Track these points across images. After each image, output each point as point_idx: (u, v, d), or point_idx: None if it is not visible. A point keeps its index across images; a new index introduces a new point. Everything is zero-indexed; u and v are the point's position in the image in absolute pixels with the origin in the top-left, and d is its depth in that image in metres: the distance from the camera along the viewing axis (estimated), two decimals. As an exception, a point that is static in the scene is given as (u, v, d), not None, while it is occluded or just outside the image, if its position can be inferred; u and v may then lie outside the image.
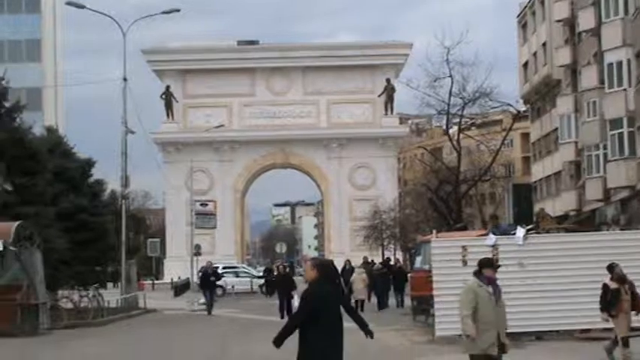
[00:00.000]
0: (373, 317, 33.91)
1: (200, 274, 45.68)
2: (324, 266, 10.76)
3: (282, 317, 33.81)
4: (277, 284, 38.84)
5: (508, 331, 20.54)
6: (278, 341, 10.50)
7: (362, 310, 39.62)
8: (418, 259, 29.02)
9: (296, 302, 34.75)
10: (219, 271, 60.26)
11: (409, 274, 36.46)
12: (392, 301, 41.94)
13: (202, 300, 41.70)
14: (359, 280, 40.58)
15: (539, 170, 72.93)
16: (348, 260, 47.09)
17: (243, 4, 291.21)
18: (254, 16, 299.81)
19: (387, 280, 41.97)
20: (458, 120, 58.37)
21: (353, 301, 40.53)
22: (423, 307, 25.90)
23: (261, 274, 65.63)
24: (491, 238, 22.01)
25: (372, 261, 45.67)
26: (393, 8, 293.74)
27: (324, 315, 10.28)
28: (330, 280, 10.70)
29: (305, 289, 10.76)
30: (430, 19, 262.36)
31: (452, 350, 20.45)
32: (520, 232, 22.28)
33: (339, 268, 45.40)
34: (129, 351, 23.22)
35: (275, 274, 44.65)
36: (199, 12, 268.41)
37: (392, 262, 46.77)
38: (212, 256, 79.32)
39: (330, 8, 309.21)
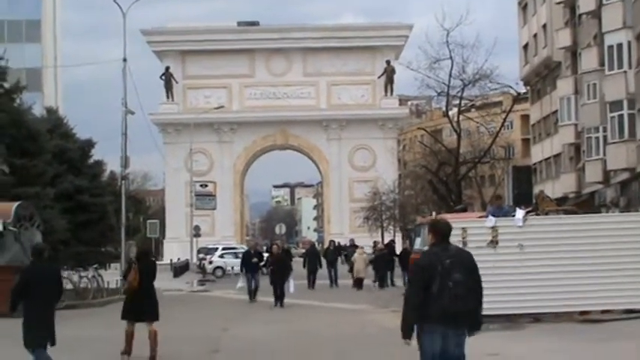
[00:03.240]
0: (372, 298, 34.05)
1: (241, 254, 41.17)
2: (39, 250, 14.06)
3: (276, 304, 31.37)
4: (271, 268, 33.03)
5: (506, 312, 20.48)
6: (11, 309, 13.45)
7: (361, 288, 39.82)
8: (418, 241, 28.97)
9: (292, 288, 33.73)
10: (219, 252, 60.64)
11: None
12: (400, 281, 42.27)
13: (240, 284, 36.18)
14: (360, 260, 41.10)
15: (539, 152, 72.85)
16: (332, 241, 49.65)
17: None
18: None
19: (389, 262, 42.26)
20: (458, 102, 58.28)
21: (353, 279, 41.06)
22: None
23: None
24: (491, 220, 21.93)
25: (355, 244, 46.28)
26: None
27: (35, 288, 12.99)
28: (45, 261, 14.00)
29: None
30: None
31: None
32: (519, 213, 22.19)
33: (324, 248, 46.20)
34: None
35: (269, 255, 37.43)
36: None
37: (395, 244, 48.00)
38: (212, 237, 79.70)
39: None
